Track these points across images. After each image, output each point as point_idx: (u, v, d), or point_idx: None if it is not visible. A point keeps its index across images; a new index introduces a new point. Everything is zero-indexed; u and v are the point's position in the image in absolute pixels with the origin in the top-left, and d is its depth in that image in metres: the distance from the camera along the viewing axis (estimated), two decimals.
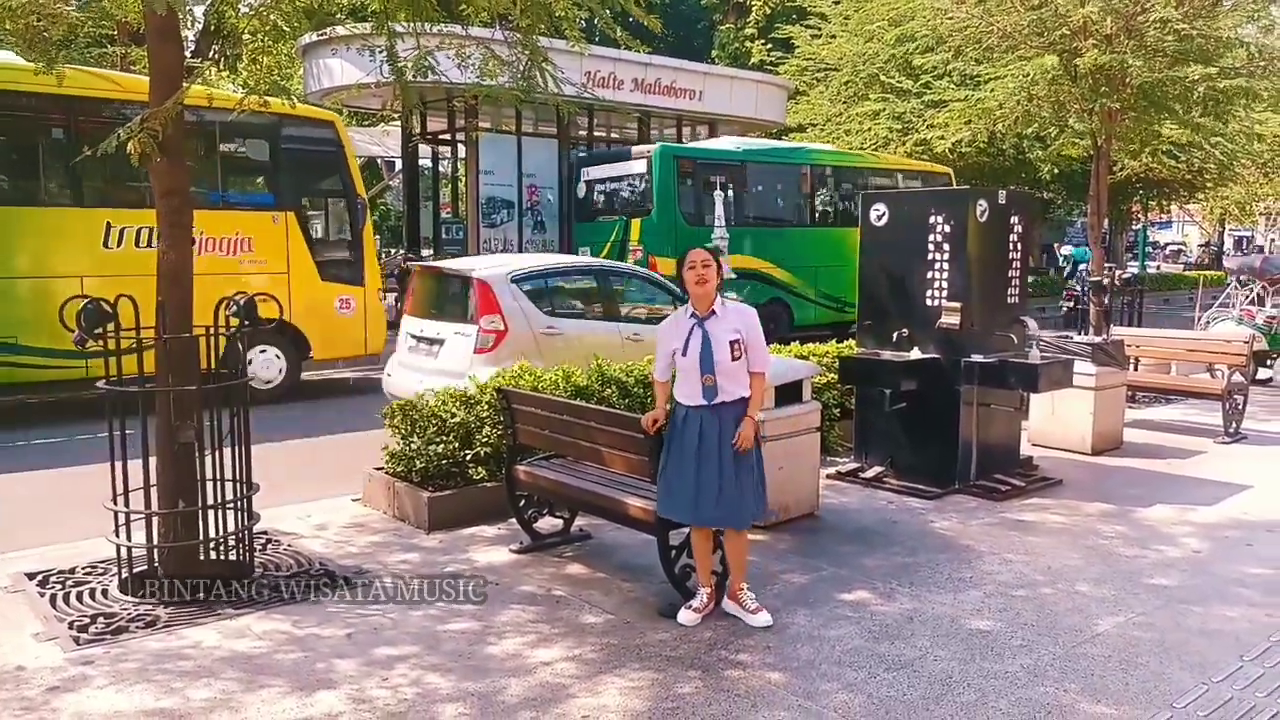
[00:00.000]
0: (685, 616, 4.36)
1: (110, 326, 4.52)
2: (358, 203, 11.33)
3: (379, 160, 25.16)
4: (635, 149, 16.04)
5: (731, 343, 4.22)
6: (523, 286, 7.76)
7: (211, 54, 16.61)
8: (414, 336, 8.12)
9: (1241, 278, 13.26)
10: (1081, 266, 13.03)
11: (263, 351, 10.56)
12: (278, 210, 10.76)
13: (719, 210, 15.03)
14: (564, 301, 8.38)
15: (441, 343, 7.73)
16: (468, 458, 5.91)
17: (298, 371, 10.97)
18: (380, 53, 5.39)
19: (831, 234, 16.57)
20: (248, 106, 5.46)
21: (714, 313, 4.28)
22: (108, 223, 9.56)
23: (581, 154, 17.36)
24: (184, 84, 4.60)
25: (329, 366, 11.74)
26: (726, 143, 16.67)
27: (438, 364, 7.61)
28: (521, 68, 5.46)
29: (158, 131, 4.39)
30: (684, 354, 4.27)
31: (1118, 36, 9.80)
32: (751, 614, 4.38)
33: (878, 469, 6.89)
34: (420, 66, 5.49)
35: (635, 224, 14.70)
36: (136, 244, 9.59)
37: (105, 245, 9.51)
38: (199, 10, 11.16)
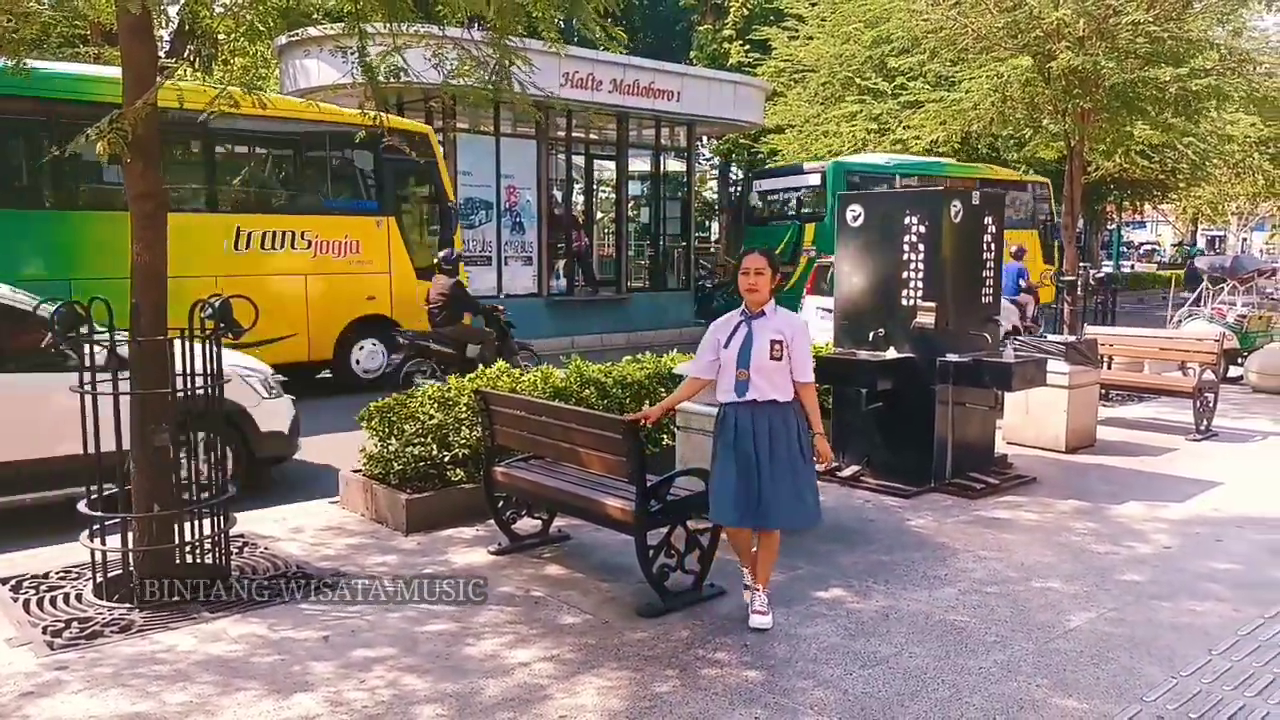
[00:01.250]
0: (757, 621, 4.33)
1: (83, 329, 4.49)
2: (449, 207, 12.39)
3: None
4: (809, 165, 18.97)
5: (773, 342, 4.24)
6: None
7: (186, 54, 16.48)
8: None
9: (1213, 276, 13.42)
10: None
11: (372, 344, 11.39)
12: (380, 215, 11.70)
13: None
14: None
15: None
16: (446, 459, 5.90)
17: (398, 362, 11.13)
18: (351, 53, 5.37)
19: None
20: (219, 108, 5.43)
21: (763, 314, 4.33)
22: (238, 227, 10.44)
23: (755, 171, 20.54)
24: (155, 83, 4.57)
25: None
26: (879, 157, 18.89)
27: None
28: (491, 68, 5.46)
29: (127, 132, 4.36)
30: (725, 346, 4.34)
31: (1090, 38, 9.91)
32: (754, 612, 4.40)
33: (854, 468, 6.93)
34: (391, 68, 5.48)
35: (809, 228, 17.55)
36: (261, 247, 10.57)
37: (235, 248, 10.34)
38: (173, 10, 11.07)
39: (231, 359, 5.88)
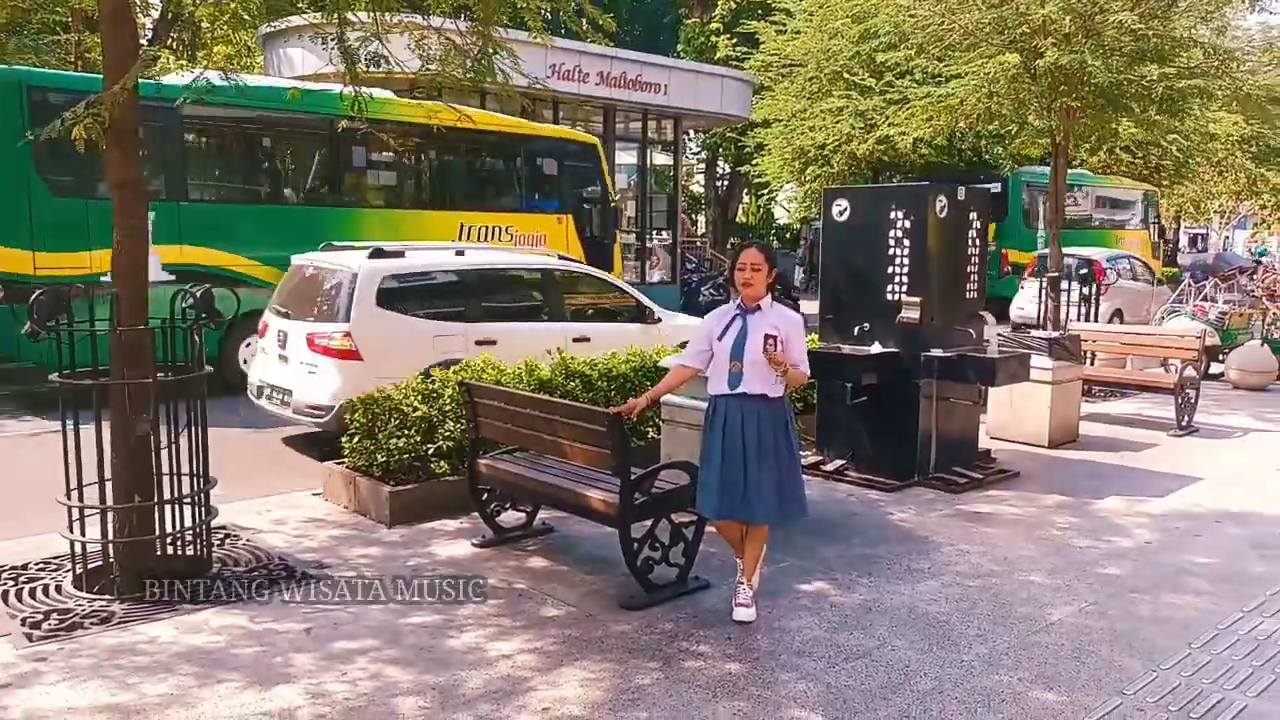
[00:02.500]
0: (741, 614, 4.33)
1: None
2: (611, 206, 14.44)
3: None
4: (989, 175, 21.64)
5: (767, 337, 4.22)
6: None
7: (169, 41, 16.36)
8: None
9: (1196, 274, 13.51)
10: None
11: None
12: (561, 213, 13.60)
13: (1043, 216, 19.17)
14: None
15: None
16: (430, 452, 5.88)
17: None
18: (331, 41, 5.33)
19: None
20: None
21: (759, 308, 4.33)
22: (461, 223, 12.19)
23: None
24: (138, 70, 4.53)
25: None
26: (1047, 169, 21.12)
27: None
28: (473, 57, 5.43)
29: (104, 118, 4.31)
30: (719, 339, 4.34)
31: (1076, 36, 9.93)
32: (737, 604, 4.40)
33: (839, 462, 6.95)
34: (371, 56, 5.44)
35: (991, 227, 18.77)
36: (478, 239, 12.31)
37: (461, 240, 11.79)
38: None
39: None
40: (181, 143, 10.48)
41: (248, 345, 10.15)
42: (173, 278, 9.10)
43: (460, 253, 8.32)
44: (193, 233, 10.14)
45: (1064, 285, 10.27)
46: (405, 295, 7.55)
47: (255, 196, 11.32)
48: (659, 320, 8.87)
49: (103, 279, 8.96)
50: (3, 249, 9.20)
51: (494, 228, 12.71)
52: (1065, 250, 16.63)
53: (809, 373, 4.45)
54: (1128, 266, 17.02)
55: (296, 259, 8.32)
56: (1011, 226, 19.99)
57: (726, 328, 4.34)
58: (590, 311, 8.79)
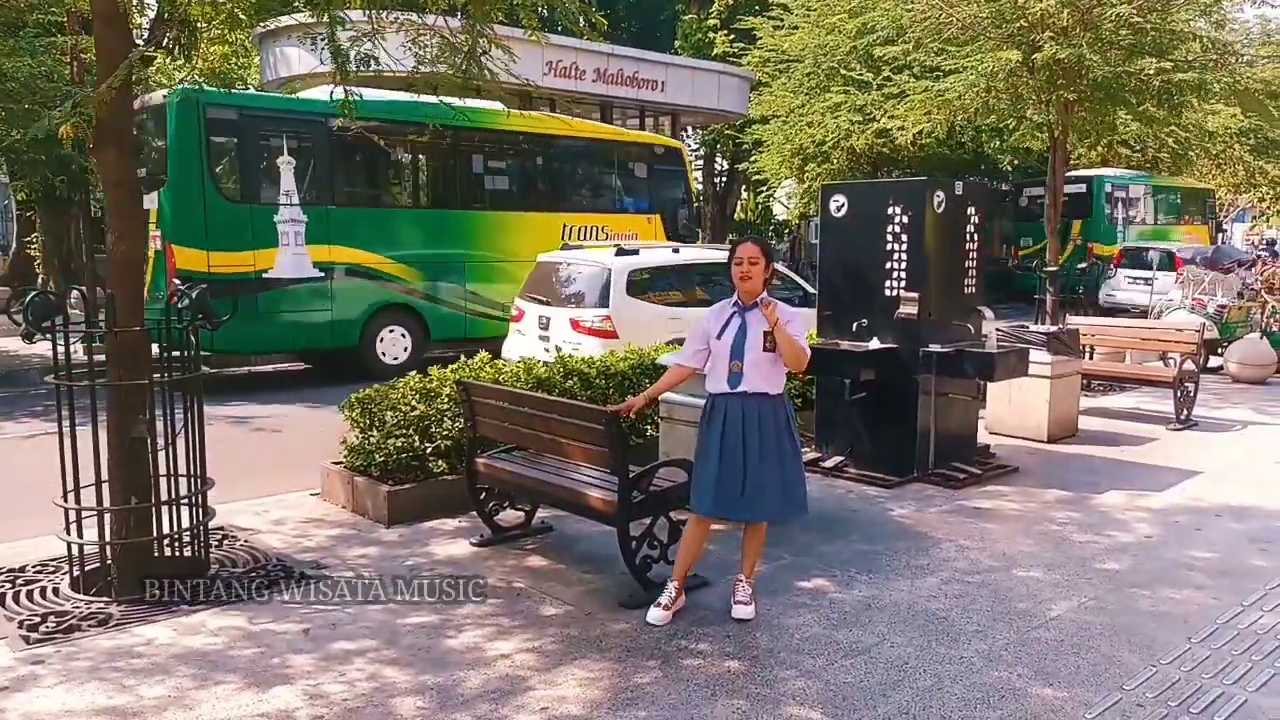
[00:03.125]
0: (655, 615, 4.30)
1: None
2: (693, 206, 15.77)
3: None
4: (1074, 174, 22.64)
5: (766, 333, 4.21)
6: None
7: (165, 41, 16.31)
8: None
9: (1194, 267, 13.48)
10: None
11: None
12: (651, 213, 14.65)
13: (1124, 215, 22.99)
14: None
15: None
16: (428, 451, 5.87)
17: None
18: (321, 40, 5.31)
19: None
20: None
21: (756, 305, 4.28)
22: (565, 224, 13.34)
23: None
24: (136, 72, 4.51)
25: None
26: (1128, 172, 24.03)
27: None
28: (464, 54, 5.41)
29: (90, 116, 4.30)
30: (718, 338, 4.31)
31: (1074, 29, 9.91)
32: (737, 602, 4.38)
33: (838, 458, 6.94)
34: (361, 56, 5.42)
35: (1076, 224, 21.98)
36: (579, 237, 13.35)
37: (563, 239, 12.83)
38: None
39: None
40: (330, 154, 11.59)
41: (381, 339, 11.78)
42: (322, 275, 11.08)
43: (676, 250, 10.06)
44: (338, 234, 11.33)
45: (1151, 274, 10.60)
46: (644, 285, 9.30)
47: (389, 201, 12.69)
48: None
49: (263, 275, 10.43)
50: (183, 249, 10.35)
51: (592, 227, 13.79)
52: (1145, 244, 19.57)
53: (807, 351, 4.35)
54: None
55: (544, 257, 10.02)
56: (1095, 222, 22.57)
57: (725, 326, 4.31)
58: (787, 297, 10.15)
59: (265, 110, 11.41)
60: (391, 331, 11.87)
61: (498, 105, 12.57)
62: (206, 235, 10.44)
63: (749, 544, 4.46)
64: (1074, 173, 23.58)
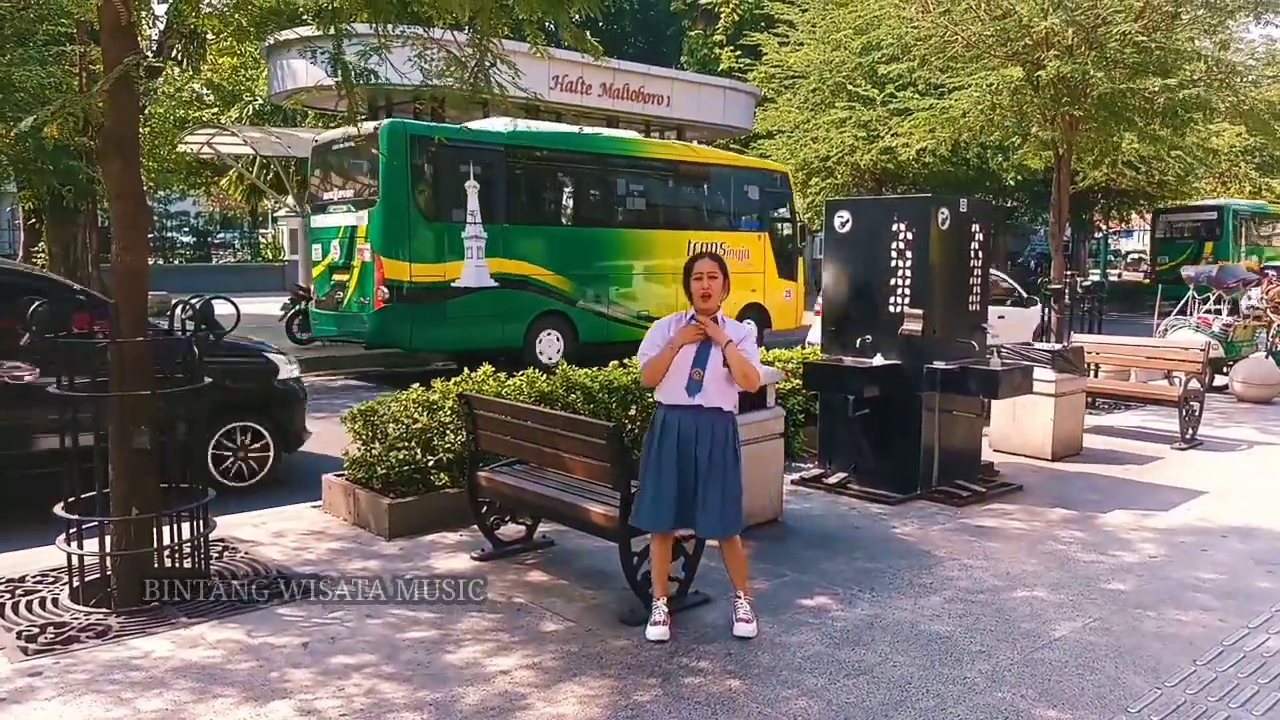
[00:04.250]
0: (655, 632, 4.28)
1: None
2: (798, 225, 16.92)
3: None
4: (1207, 203, 27.50)
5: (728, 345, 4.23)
6: None
7: (174, 53, 16.40)
8: None
9: (1199, 285, 13.45)
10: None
11: (749, 323, 14.28)
12: (760, 232, 16.09)
13: (1251, 237, 27.09)
14: None
15: None
16: (430, 463, 5.86)
17: (761, 335, 14.65)
18: (323, 54, 5.33)
19: None
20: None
21: (716, 320, 4.30)
22: (690, 241, 14.41)
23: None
24: (140, 84, 4.53)
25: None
26: (1255, 203, 27.98)
27: None
28: (470, 70, 5.42)
29: (78, 117, 4.31)
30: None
31: (1079, 47, 9.92)
32: (738, 619, 4.36)
33: (841, 475, 6.91)
34: (363, 71, 5.43)
35: (1208, 245, 26.06)
36: None
37: (689, 254, 13.08)
38: (160, 9, 11.04)
39: None
40: (505, 179, 13.02)
41: (540, 341, 13.12)
42: (497, 284, 12.56)
43: None
44: (509, 249, 12.77)
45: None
46: None
47: (549, 220, 14.03)
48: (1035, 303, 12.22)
49: (451, 284, 11.77)
50: (392, 261, 11.80)
51: (713, 244, 14.66)
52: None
53: (759, 371, 4.42)
54: None
55: None
56: (1223, 245, 26.25)
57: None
58: (1001, 297, 12.04)
59: (456, 140, 12.70)
60: (549, 334, 13.24)
61: (634, 134, 14.94)
62: (410, 249, 11.87)
63: (729, 560, 4.44)
64: (1206, 201, 28.49)
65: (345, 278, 12.47)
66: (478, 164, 12.55)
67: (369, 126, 12.00)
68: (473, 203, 12.36)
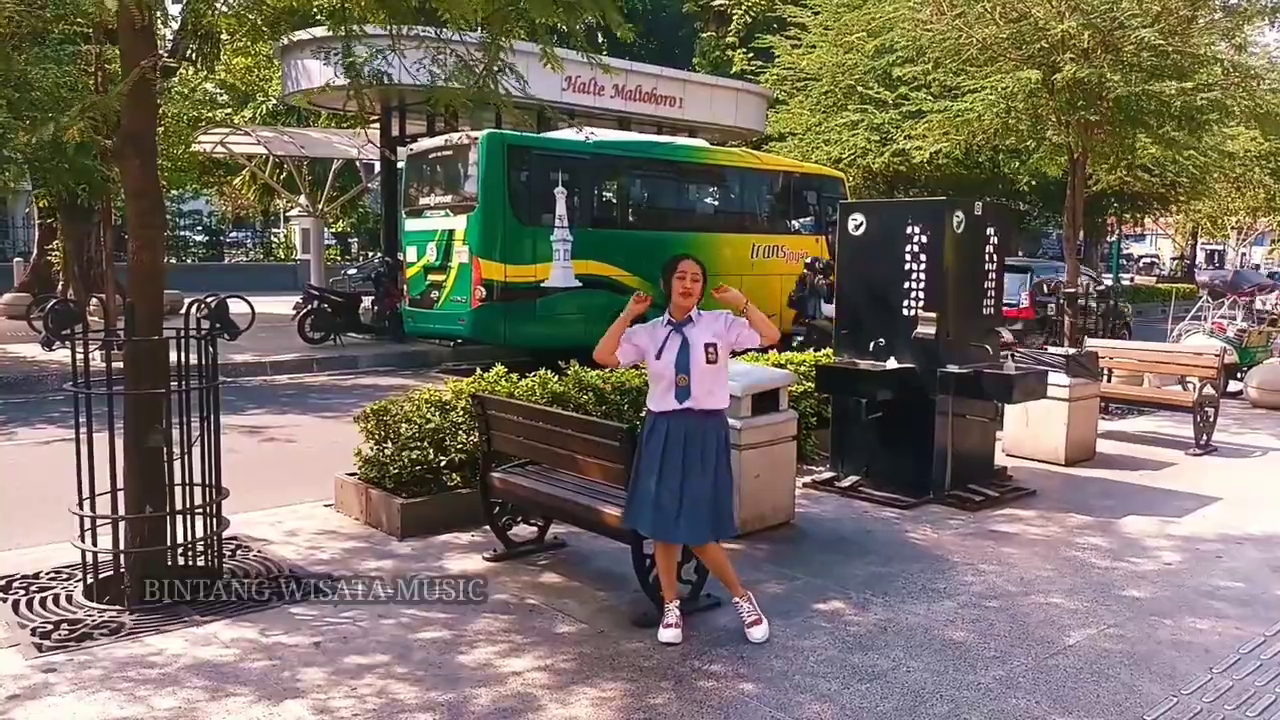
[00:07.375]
0: (668, 634, 4.26)
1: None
2: None
3: (357, 163, 24.96)
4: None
5: (707, 345, 4.22)
6: None
7: (189, 53, 16.48)
8: None
9: (1214, 291, 13.39)
10: None
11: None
12: (818, 234, 16.31)
13: None
14: None
15: None
16: (442, 464, 5.85)
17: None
18: (335, 55, 5.34)
19: None
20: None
21: (690, 319, 4.30)
22: (753, 244, 15.47)
23: None
24: (156, 83, 4.54)
25: None
26: None
27: None
28: (479, 71, 5.42)
29: (99, 121, 4.32)
30: (658, 357, 4.27)
31: (1095, 51, 9.88)
32: (750, 623, 4.34)
33: (853, 478, 6.89)
34: (375, 72, 5.44)
35: None
36: (765, 256, 15.57)
37: (752, 257, 15.38)
38: (176, 9, 11.10)
39: None
40: (588, 185, 13.80)
41: None
42: (580, 284, 13.04)
43: None
44: (590, 251, 13.23)
45: None
46: None
47: (625, 223, 14.62)
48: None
49: (541, 284, 12.78)
50: (487, 262, 12.46)
51: (774, 246, 15.75)
52: None
53: (775, 331, 4.49)
54: None
55: None
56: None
57: (663, 346, 4.27)
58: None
59: (546, 148, 13.53)
60: None
61: (702, 143, 15.63)
62: (505, 251, 12.54)
63: (711, 565, 4.43)
64: None
65: (441, 278, 13.04)
66: (565, 171, 13.15)
67: (466, 135, 12.99)
68: (560, 207, 12.91)
